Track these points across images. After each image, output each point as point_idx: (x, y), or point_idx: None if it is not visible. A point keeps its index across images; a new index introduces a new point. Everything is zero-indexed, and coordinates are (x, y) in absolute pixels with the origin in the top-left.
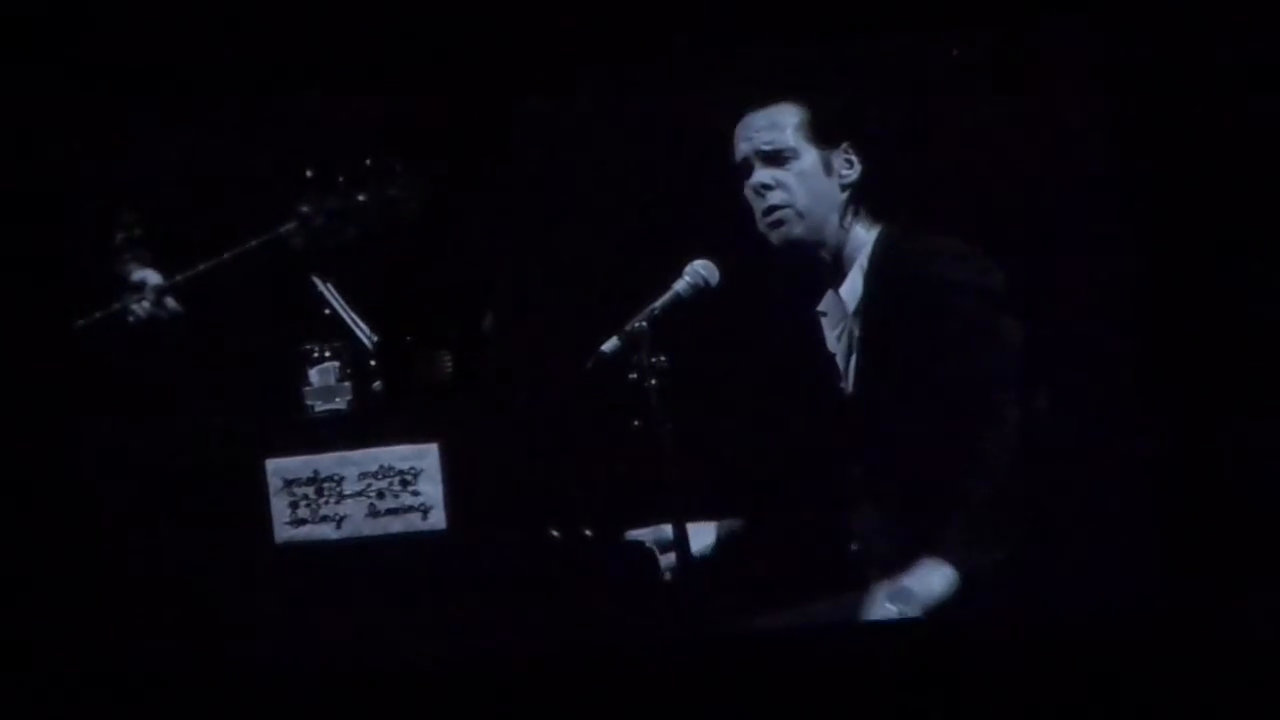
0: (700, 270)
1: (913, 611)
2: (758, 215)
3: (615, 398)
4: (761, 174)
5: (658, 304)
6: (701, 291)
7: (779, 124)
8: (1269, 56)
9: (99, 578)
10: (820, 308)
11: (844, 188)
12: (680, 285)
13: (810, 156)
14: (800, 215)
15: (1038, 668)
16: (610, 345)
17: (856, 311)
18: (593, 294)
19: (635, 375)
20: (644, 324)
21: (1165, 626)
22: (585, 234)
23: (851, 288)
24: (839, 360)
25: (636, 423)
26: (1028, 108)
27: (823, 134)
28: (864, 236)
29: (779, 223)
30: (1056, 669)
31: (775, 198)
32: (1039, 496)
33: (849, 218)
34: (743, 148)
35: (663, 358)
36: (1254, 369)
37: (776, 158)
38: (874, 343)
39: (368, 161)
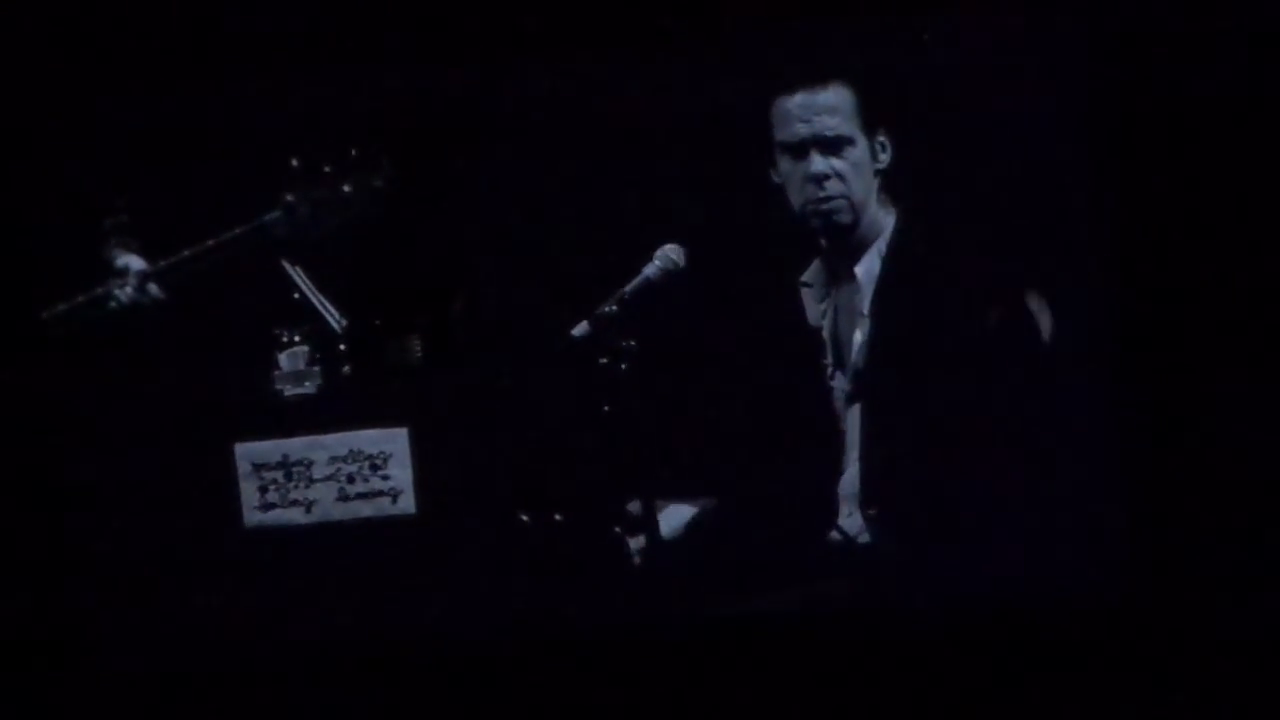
0: (670, 254)
1: None
2: (801, 199)
3: (585, 382)
4: (819, 163)
5: (628, 288)
6: (672, 275)
7: (839, 108)
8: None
9: (66, 562)
10: (804, 278)
11: (877, 173)
12: (650, 269)
13: (862, 144)
14: (853, 206)
15: (1007, 656)
16: (580, 329)
17: (875, 291)
18: (562, 279)
19: (605, 359)
20: (614, 308)
21: (1137, 616)
22: (555, 219)
23: (868, 268)
24: (825, 335)
25: (606, 407)
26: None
27: (869, 118)
28: (883, 219)
29: (831, 213)
30: (1027, 657)
31: (833, 188)
32: (1007, 483)
33: (874, 202)
34: (800, 130)
35: (633, 341)
36: (1226, 347)
37: (836, 145)
38: (890, 323)
39: (353, 152)
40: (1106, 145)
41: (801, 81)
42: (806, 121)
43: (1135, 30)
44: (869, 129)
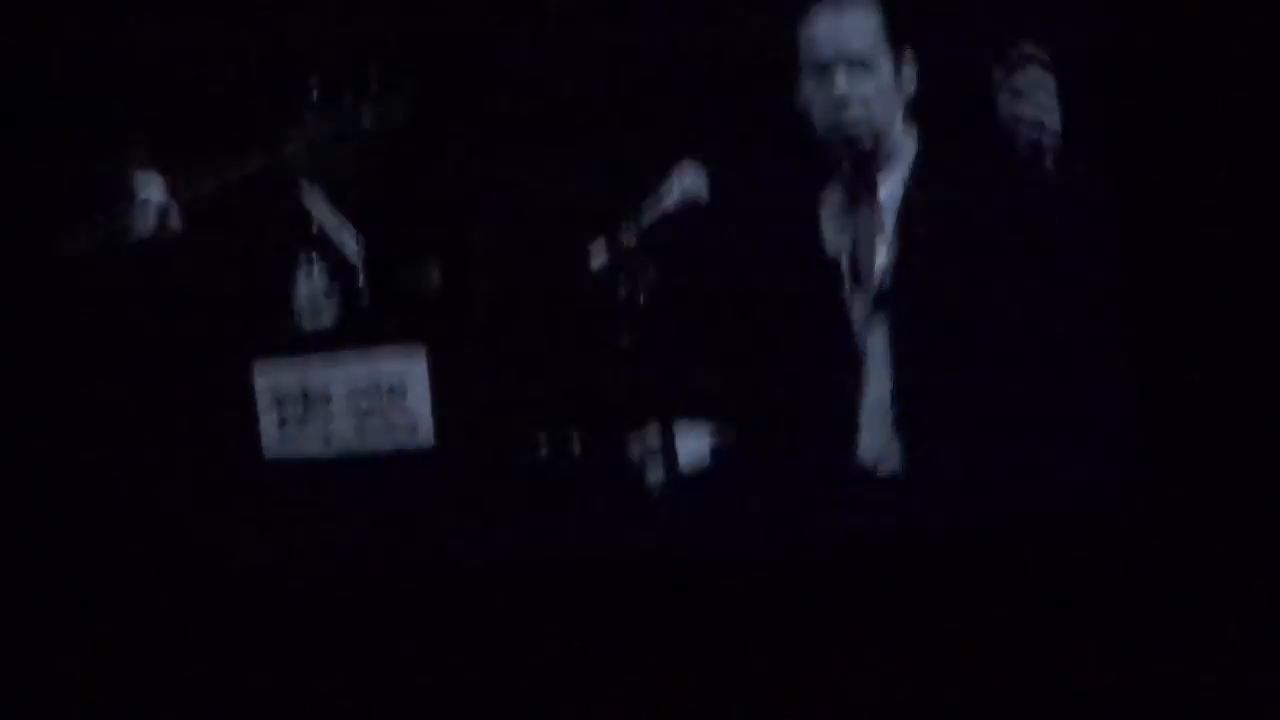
0: (689, 182)
1: None
2: (825, 125)
3: (604, 312)
4: (844, 85)
5: (646, 216)
6: (690, 203)
7: (867, 27)
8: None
9: (81, 495)
10: (824, 202)
11: (902, 98)
12: (668, 198)
13: (887, 66)
14: (875, 129)
15: (1035, 579)
16: (599, 260)
17: (898, 212)
18: (582, 206)
19: (624, 288)
20: (632, 236)
21: (1166, 536)
22: (575, 144)
23: (891, 190)
24: (844, 258)
25: (625, 335)
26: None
27: (896, 42)
28: (906, 143)
29: (854, 140)
30: (1057, 581)
31: (857, 113)
32: (1036, 404)
33: (898, 125)
34: (825, 50)
35: (652, 270)
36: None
37: (863, 66)
38: (913, 244)
39: (373, 84)
40: (1138, 74)
41: (828, 1)
42: (832, 42)
43: None
44: (896, 52)
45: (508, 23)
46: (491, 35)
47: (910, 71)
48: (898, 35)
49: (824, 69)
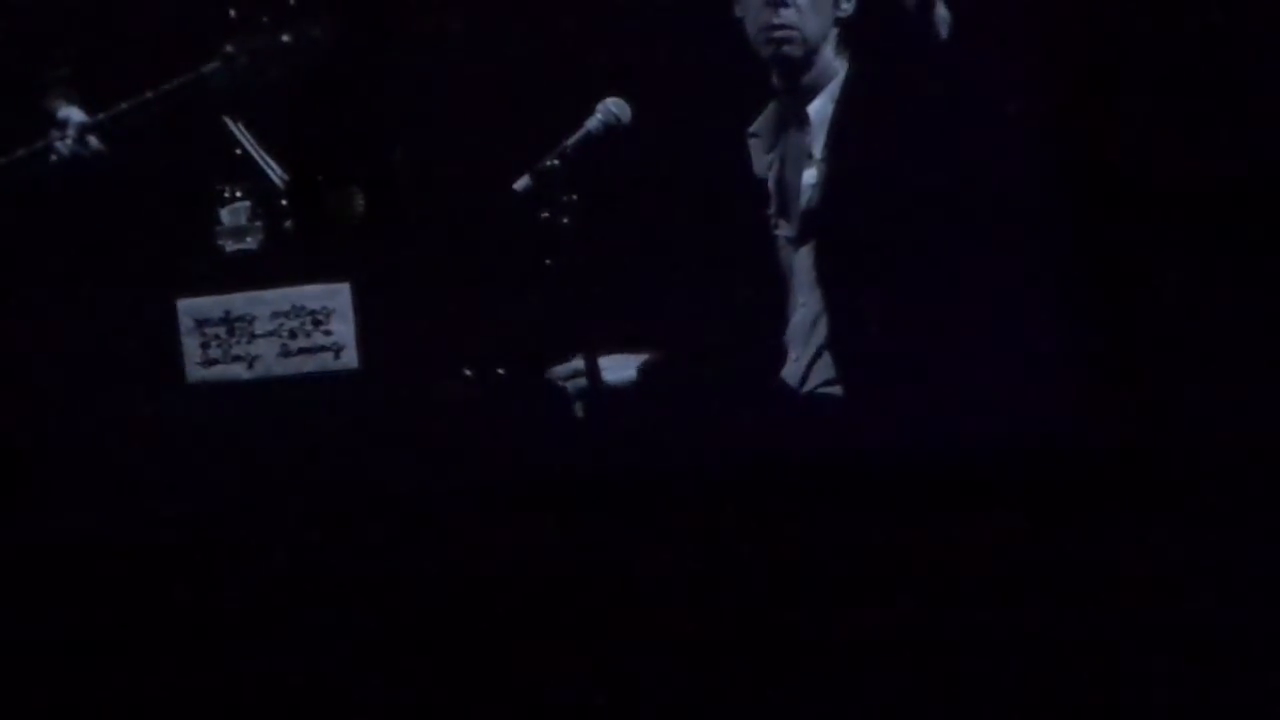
0: (612, 108)
1: None
2: (757, 27)
3: (527, 236)
4: None
5: (569, 141)
6: (614, 129)
7: None
8: None
9: (10, 416)
10: (753, 129)
11: (838, 21)
12: (592, 123)
13: None
14: (804, 41)
15: (966, 500)
16: (522, 183)
17: (828, 132)
18: (505, 131)
19: (548, 213)
20: (556, 161)
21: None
22: (498, 70)
23: (820, 110)
24: (770, 183)
25: (549, 260)
26: None
27: None
28: (837, 65)
29: (783, 42)
30: (988, 503)
31: (787, 17)
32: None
33: (830, 47)
34: None
35: (575, 195)
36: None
37: None
38: (843, 164)
39: (291, 1)
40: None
41: None
42: None
43: None
44: None
45: None
46: None
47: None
48: None
49: None
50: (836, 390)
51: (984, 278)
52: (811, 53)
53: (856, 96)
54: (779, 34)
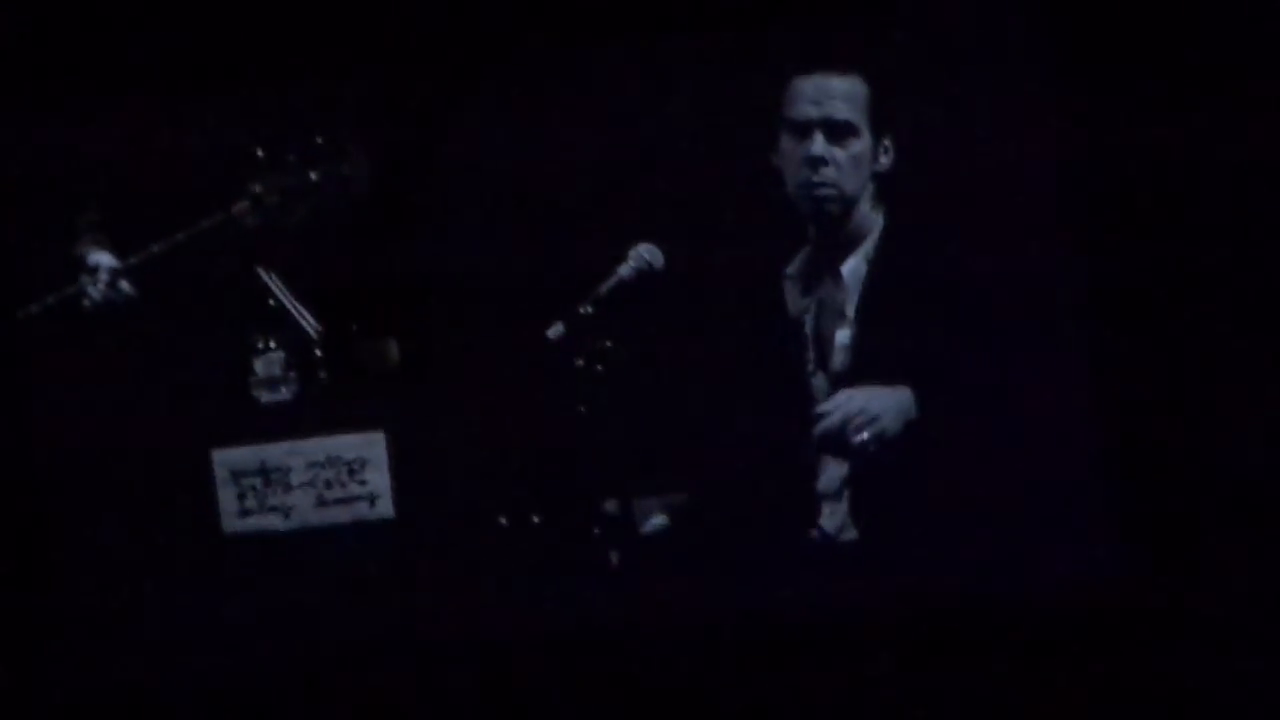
0: (644, 254)
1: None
2: (796, 183)
3: (562, 383)
4: (820, 146)
5: (602, 288)
6: (646, 275)
7: (854, 97)
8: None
9: (40, 571)
10: (789, 271)
11: (875, 175)
12: (625, 269)
13: (866, 139)
14: (843, 198)
15: (993, 648)
16: (555, 330)
17: (860, 294)
18: (537, 279)
19: (582, 360)
20: (589, 308)
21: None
22: (531, 215)
23: (854, 269)
24: (807, 331)
25: (583, 408)
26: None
27: (878, 117)
28: (873, 219)
29: (823, 200)
30: (1013, 650)
31: (829, 175)
32: (994, 483)
33: (867, 201)
34: (808, 110)
35: (609, 342)
36: (1212, 334)
37: (842, 132)
38: (874, 330)
39: (319, 140)
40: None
41: (821, 65)
42: (817, 104)
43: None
44: (876, 127)
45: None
46: (448, 102)
47: (887, 152)
48: (882, 115)
49: (804, 129)
50: (869, 541)
51: (1016, 443)
52: (849, 207)
53: (888, 260)
54: (820, 192)
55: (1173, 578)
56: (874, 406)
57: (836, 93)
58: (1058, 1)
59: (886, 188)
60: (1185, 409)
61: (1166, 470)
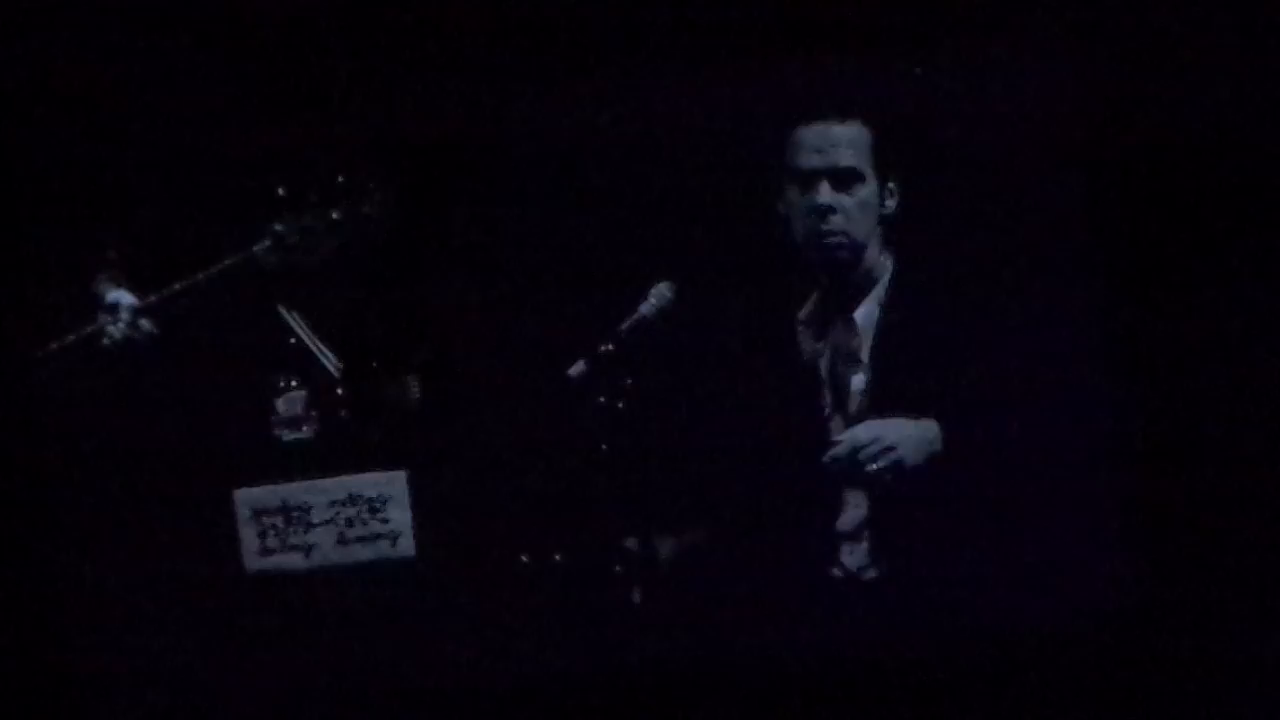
0: (666, 292)
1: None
2: (805, 230)
3: (583, 421)
4: (827, 195)
5: (624, 326)
6: (667, 312)
7: (858, 144)
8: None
9: (64, 608)
10: (801, 316)
11: (882, 219)
12: (645, 307)
13: (872, 184)
14: (852, 245)
15: (1015, 685)
16: (577, 368)
17: (874, 338)
18: (559, 318)
19: (603, 398)
20: (611, 346)
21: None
22: (551, 254)
23: (868, 314)
24: (822, 374)
25: (605, 446)
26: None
27: (882, 161)
28: (883, 263)
29: (833, 248)
30: (1035, 686)
31: (836, 223)
32: (1010, 523)
33: (875, 246)
34: (813, 160)
35: (630, 379)
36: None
37: (848, 179)
38: (889, 374)
39: (340, 178)
40: (1105, 204)
41: (822, 113)
42: (821, 152)
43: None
44: (881, 172)
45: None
46: (468, 142)
47: (893, 195)
48: (886, 159)
49: (809, 178)
50: (887, 581)
51: (1039, 478)
52: (859, 253)
53: (900, 304)
54: (829, 240)
55: (1200, 618)
56: (891, 436)
57: (840, 140)
58: (1060, 37)
59: (894, 231)
60: (1212, 443)
61: (1195, 504)
